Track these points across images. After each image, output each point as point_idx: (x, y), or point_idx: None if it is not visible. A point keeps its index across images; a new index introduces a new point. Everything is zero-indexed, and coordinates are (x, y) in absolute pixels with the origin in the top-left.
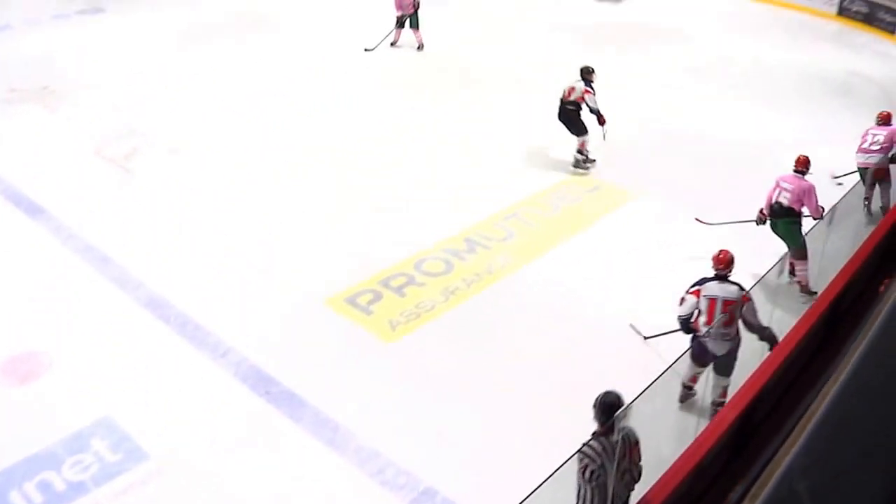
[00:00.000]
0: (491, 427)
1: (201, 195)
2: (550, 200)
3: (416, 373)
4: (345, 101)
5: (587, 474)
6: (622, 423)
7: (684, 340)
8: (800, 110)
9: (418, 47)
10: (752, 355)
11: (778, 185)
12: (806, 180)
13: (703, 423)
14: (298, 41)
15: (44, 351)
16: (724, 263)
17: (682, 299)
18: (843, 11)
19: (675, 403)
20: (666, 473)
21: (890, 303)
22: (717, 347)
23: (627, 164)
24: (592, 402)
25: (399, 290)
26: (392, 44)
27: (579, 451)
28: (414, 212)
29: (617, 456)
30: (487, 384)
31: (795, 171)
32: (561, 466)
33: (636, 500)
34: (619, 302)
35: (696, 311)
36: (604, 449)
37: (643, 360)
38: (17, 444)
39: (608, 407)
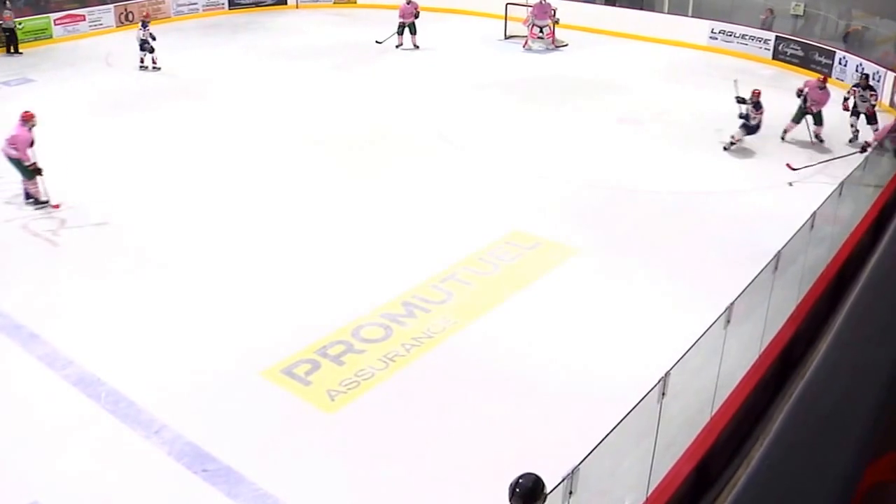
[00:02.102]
0: (436, 497)
1: (131, 267)
2: (489, 259)
3: (358, 444)
4: (272, 167)
5: None
6: None
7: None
8: (738, 157)
9: (415, 46)
10: (702, 408)
11: None
12: None
13: (657, 479)
14: (226, 108)
15: None
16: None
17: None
18: (778, 55)
19: (627, 460)
20: None
21: (823, 349)
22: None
23: (567, 220)
24: (508, 487)
25: (337, 359)
26: (397, 46)
27: None
28: (349, 277)
29: None
30: (430, 452)
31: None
32: None
33: None
34: (562, 360)
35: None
36: None
37: (589, 418)
38: None
39: (525, 492)
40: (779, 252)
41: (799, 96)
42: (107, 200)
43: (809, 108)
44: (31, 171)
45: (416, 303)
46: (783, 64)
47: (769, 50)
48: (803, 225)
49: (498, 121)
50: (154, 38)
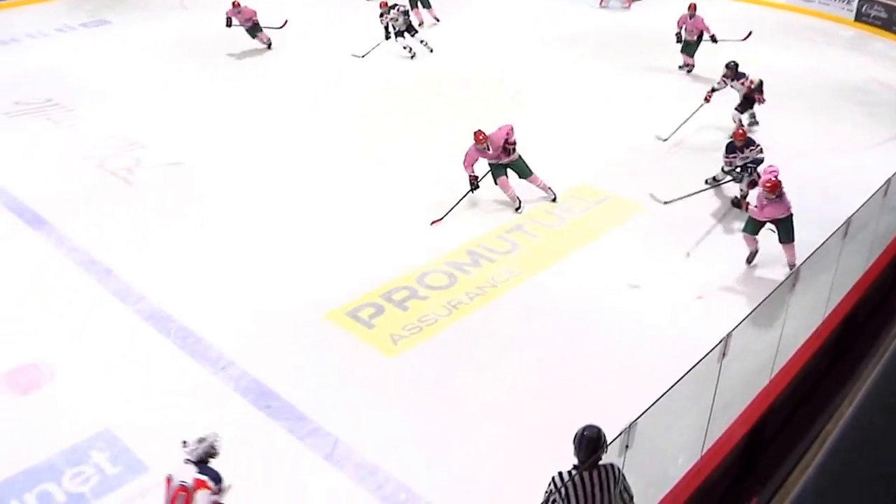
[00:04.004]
0: (492, 444)
1: (203, 208)
2: (555, 212)
3: (418, 388)
4: (345, 114)
5: None
6: (605, 459)
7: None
8: (814, 118)
9: (436, 20)
10: (760, 370)
11: None
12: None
13: (711, 440)
14: (300, 56)
15: (45, 362)
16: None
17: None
18: (860, 17)
19: (684, 418)
20: (671, 491)
21: None
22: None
23: (635, 177)
24: (573, 436)
25: (401, 304)
26: (419, 23)
27: (552, 480)
28: (417, 224)
29: (593, 493)
30: (489, 400)
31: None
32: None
33: None
34: (624, 316)
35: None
36: (575, 484)
37: (648, 375)
38: (17, 455)
39: (589, 442)
40: (849, 218)
41: (679, 41)
42: (180, 142)
43: (690, 39)
44: (474, 185)
45: (482, 252)
46: (865, 26)
47: (851, 11)
48: (877, 191)
49: (567, 75)
50: (408, 16)
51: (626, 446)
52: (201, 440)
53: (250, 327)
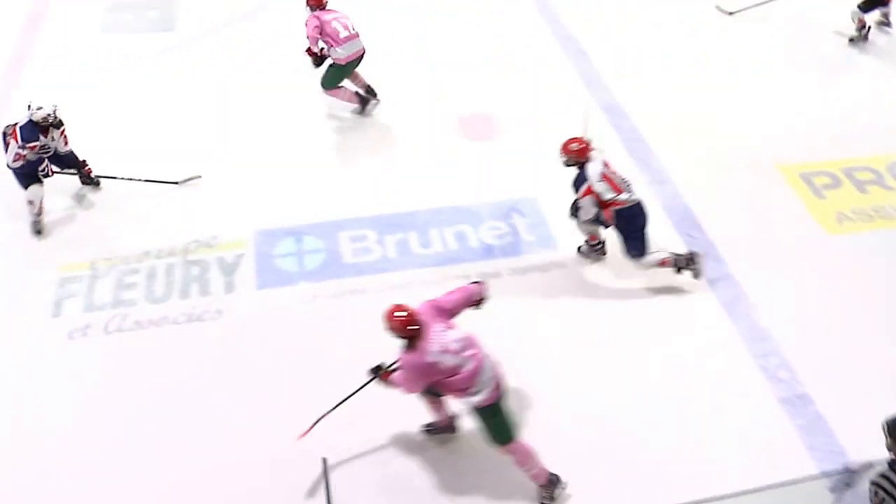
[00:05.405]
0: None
1: None
2: None
3: (854, 274)
4: None
5: None
6: None
7: None
8: None
9: None
10: None
11: None
12: None
13: None
14: None
15: (498, 117)
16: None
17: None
18: None
19: None
20: None
21: None
22: None
23: None
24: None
25: (861, 185)
26: None
27: (874, 483)
28: None
29: None
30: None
31: None
32: None
33: None
34: None
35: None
36: None
37: None
38: (450, 192)
39: None
40: None
41: None
42: None
43: None
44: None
45: None
46: None
47: None
48: None
49: None
50: None
51: None
52: (40, 108)
53: (692, 155)
